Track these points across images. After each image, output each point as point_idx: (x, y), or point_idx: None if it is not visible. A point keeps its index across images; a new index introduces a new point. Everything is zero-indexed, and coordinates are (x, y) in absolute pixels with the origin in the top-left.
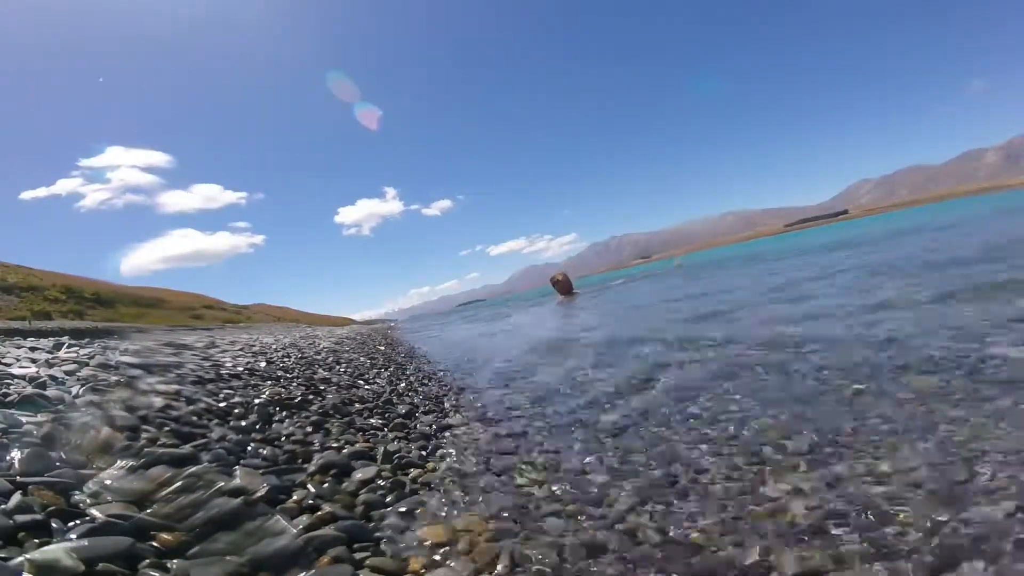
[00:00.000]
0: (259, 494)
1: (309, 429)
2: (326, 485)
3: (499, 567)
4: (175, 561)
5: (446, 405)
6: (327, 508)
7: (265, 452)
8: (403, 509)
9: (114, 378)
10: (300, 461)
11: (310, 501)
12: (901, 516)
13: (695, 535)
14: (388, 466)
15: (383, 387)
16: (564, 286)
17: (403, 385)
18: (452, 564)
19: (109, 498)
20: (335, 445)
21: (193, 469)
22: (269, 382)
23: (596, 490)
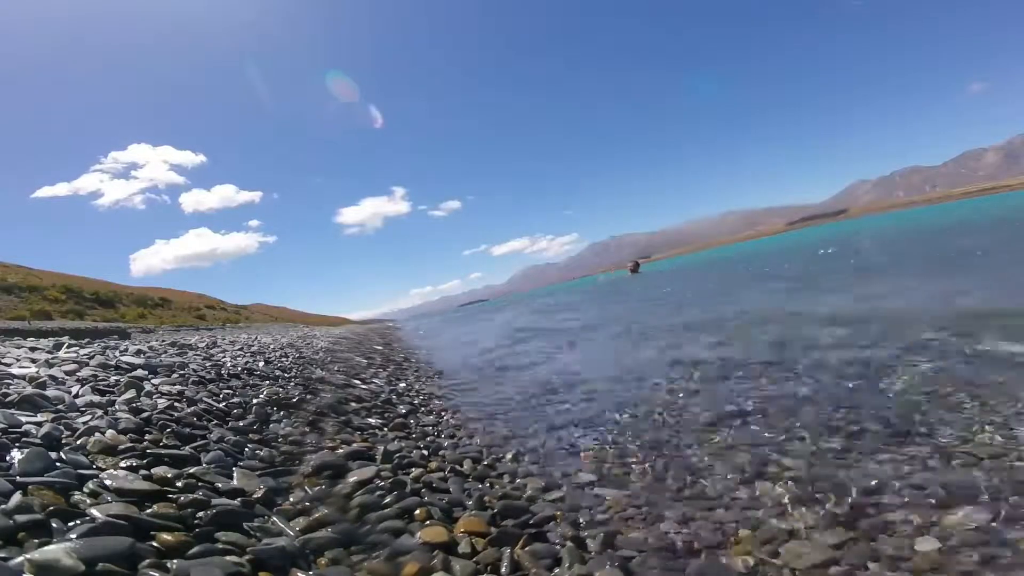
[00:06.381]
0: (256, 496)
1: (306, 429)
2: (319, 487)
3: (501, 569)
4: (175, 561)
5: None
6: (322, 510)
7: (262, 453)
8: (402, 510)
9: (114, 378)
10: (296, 462)
11: (306, 503)
12: None
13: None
14: (388, 466)
15: (381, 387)
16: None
17: (403, 385)
18: (453, 566)
19: (109, 498)
20: (330, 445)
21: (192, 470)
22: (267, 382)
23: None
